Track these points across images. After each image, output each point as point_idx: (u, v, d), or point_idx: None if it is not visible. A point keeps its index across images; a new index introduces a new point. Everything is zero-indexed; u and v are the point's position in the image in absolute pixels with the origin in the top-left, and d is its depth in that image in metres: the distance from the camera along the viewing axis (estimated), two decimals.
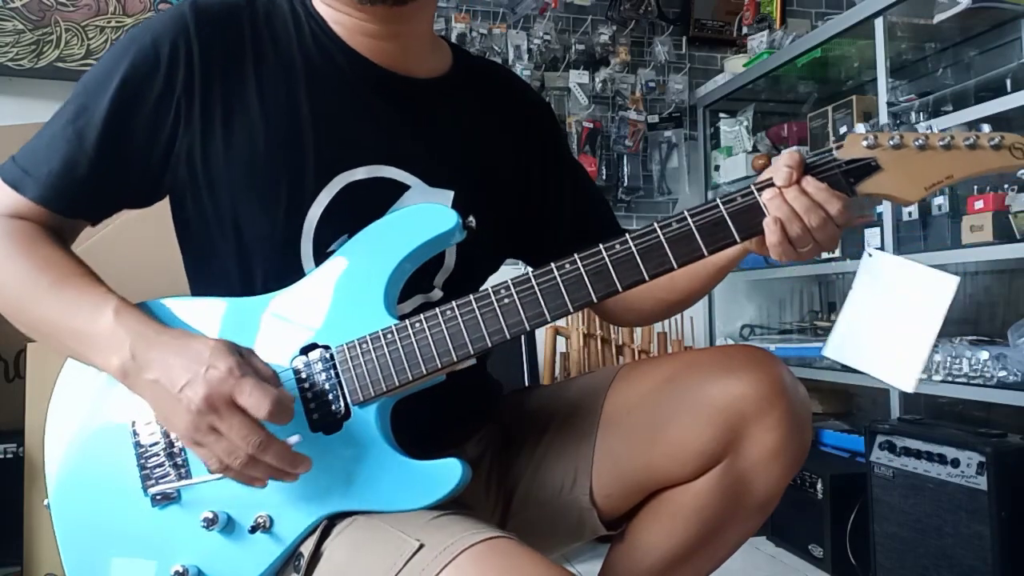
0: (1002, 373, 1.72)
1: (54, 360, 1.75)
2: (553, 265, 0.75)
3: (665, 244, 0.74)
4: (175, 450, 0.76)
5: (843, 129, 2.28)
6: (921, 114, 1.98)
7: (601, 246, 0.75)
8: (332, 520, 0.73)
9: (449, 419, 0.85)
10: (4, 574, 1.67)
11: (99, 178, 0.79)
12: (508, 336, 0.74)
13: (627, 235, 0.75)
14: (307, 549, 0.71)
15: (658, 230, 0.74)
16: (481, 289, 0.75)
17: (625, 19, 2.84)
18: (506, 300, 0.74)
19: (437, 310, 0.75)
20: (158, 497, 0.75)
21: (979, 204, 1.85)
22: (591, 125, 2.75)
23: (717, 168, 2.90)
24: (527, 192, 0.97)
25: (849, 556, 1.90)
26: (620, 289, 0.74)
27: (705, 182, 2.97)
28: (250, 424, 0.66)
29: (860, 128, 0.77)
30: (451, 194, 0.87)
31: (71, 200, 0.80)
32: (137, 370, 0.70)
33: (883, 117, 2.06)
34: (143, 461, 0.76)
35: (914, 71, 2.32)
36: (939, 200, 2.02)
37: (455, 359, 0.74)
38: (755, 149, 2.75)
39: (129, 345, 0.70)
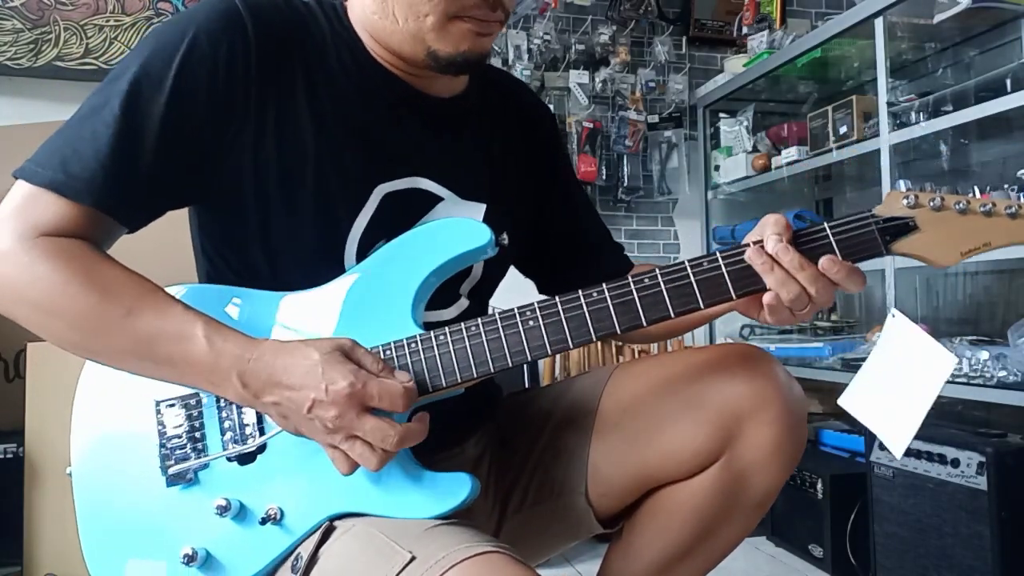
0: (1002, 373, 1.73)
1: (54, 360, 1.76)
2: (580, 292, 0.74)
3: (694, 283, 0.74)
4: (196, 434, 0.77)
5: (843, 129, 2.28)
6: (921, 114, 1.97)
7: (630, 278, 0.74)
8: (334, 522, 0.73)
9: (449, 419, 0.85)
10: (4, 574, 1.67)
11: (157, 178, 0.74)
12: (529, 359, 0.74)
13: (656, 270, 0.74)
14: (306, 551, 0.71)
15: (688, 268, 0.74)
16: (506, 308, 0.76)
17: (625, 19, 2.84)
18: (531, 323, 0.74)
19: (462, 325, 0.75)
20: (175, 478, 0.76)
21: None
22: (591, 125, 2.75)
23: (717, 168, 2.91)
24: (534, 201, 0.99)
25: (849, 556, 1.90)
26: (644, 323, 0.74)
27: (705, 182, 2.97)
28: (384, 425, 0.66)
29: (901, 186, 0.78)
30: (483, 207, 0.89)
31: (125, 202, 0.74)
32: (254, 396, 0.69)
33: (883, 117, 2.06)
34: (164, 441, 0.77)
35: (914, 71, 2.32)
36: None
37: (475, 375, 0.74)
38: (755, 149, 2.75)
39: (236, 374, 0.68)
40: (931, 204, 0.73)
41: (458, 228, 0.80)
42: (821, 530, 1.95)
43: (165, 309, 0.71)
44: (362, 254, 0.81)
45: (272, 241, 0.80)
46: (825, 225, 0.74)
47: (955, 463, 1.59)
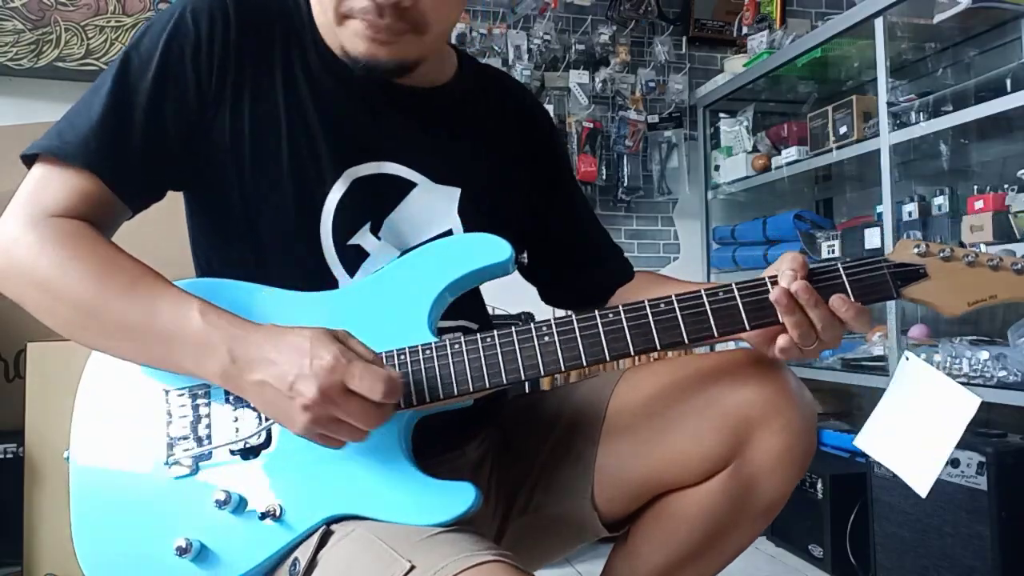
0: (1002, 373, 1.73)
1: (54, 360, 1.76)
2: (597, 312, 0.76)
3: (709, 313, 0.75)
4: (200, 425, 0.77)
5: (843, 129, 2.28)
6: (921, 114, 1.97)
7: (646, 302, 0.76)
8: (333, 526, 0.73)
9: (453, 420, 0.85)
10: (4, 574, 1.67)
11: (145, 149, 0.78)
12: (543, 373, 0.75)
13: (672, 296, 0.76)
14: (304, 555, 0.71)
15: (704, 297, 0.76)
16: (520, 322, 0.77)
17: (625, 19, 2.84)
18: (546, 338, 0.75)
19: (477, 336, 0.76)
20: (177, 467, 0.76)
21: (979, 204, 1.85)
22: (591, 125, 2.75)
23: (717, 168, 2.91)
24: (527, 200, 0.98)
25: (849, 556, 1.90)
26: (659, 347, 0.75)
27: (705, 182, 2.97)
28: (368, 407, 0.66)
29: (914, 235, 0.80)
30: (458, 192, 0.89)
31: (117, 166, 0.77)
32: (239, 373, 0.68)
33: (883, 117, 2.06)
34: (169, 430, 0.77)
35: (914, 71, 2.32)
36: (939, 200, 2.03)
37: (488, 386, 0.75)
38: (755, 149, 2.75)
39: (226, 348, 0.68)
40: (940, 255, 0.76)
41: (479, 243, 0.80)
42: (821, 530, 1.95)
43: (163, 288, 0.73)
44: (338, 236, 0.83)
45: (252, 222, 0.82)
46: (839, 266, 0.76)
47: (955, 463, 1.59)
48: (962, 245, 0.78)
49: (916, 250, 0.76)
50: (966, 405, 0.77)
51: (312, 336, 0.67)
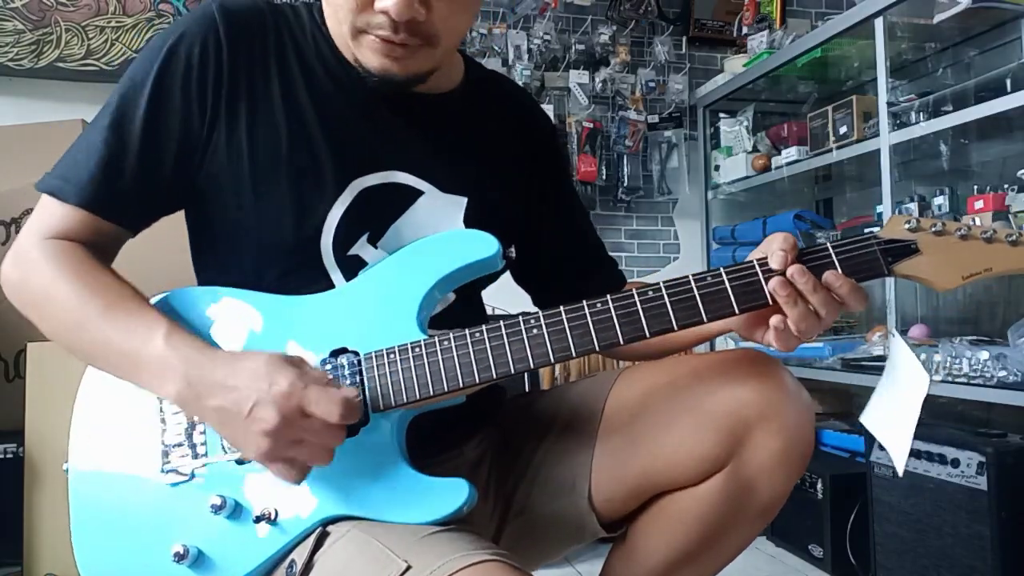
0: (1002, 373, 1.72)
1: (54, 360, 1.76)
2: (585, 303, 0.75)
3: (698, 297, 0.74)
4: (195, 432, 0.77)
5: (843, 129, 2.28)
6: (921, 114, 1.97)
7: (634, 291, 0.75)
8: (329, 528, 0.73)
9: (451, 420, 0.85)
10: (4, 574, 1.67)
11: (140, 180, 0.80)
12: (532, 366, 0.74)
13: (660, 283, 0.75)
14: (300, 557, 0.71)
15: (692, 282, 0.75)
16: (510, 316, 0.77)
17: (625, 19, 2.84)
18: (534, 331, 0.75)
19: (466, 331, 0.75)
20: (172, 475, 0.76)
21: (979, 204, 1.85)
22: (591, 125, 2.75)
23: (717, 168, 2.91)
24: (528, 204, 0.98)
25: (849, 556, 1.90)
26: (648, 335, 0.74)
27: (705, 182, 2.97)
28: (328, 429, 0.68)
29: (905, 211, 0.79)
30: (464, 200, 0.89)
31: (112, 202, 0.80)
32: (196, 397, 0.70)
33: (883, 117, 2.06)
34: (164, 438, 0.78)
35: (914, 71, 2.32)
36: (939, 200, 2.03)
37: (477, 381, 0.74)
38: (755, 149, 2.75)
39: (182, 372, 0.70)
40: (932, 229, 0.75)
41: (466, 239, 0.80)
42: (821, 530, 1.95)
43: (137, 310, 0.75)
44: (339, 248, 0.82)
45: (251, 238, 0.82)
46: (828, 245, 0.75)
47: (955, 463, 1.59)
48: (956, 219, 0.77)
49: (907, 225, 0.75)
50: (920, 382, 0.77)
51: (268, 361, 0.69)
